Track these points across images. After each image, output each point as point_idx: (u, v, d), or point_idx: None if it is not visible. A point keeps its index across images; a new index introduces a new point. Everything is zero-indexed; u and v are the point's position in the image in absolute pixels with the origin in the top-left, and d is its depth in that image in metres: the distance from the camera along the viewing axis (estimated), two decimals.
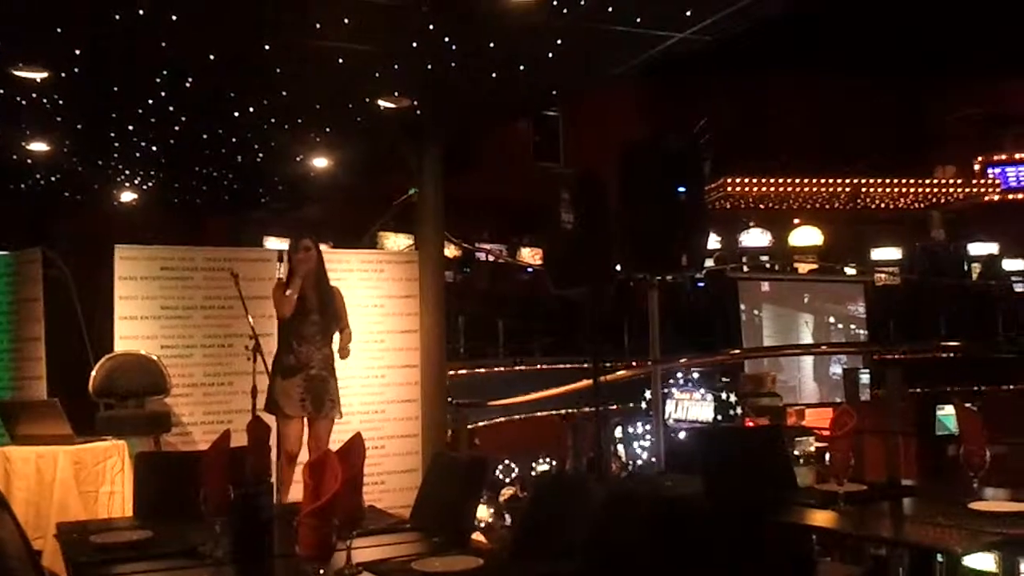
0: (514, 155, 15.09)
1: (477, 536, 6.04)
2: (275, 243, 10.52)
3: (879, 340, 11.74)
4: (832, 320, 11.90)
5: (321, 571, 2.57)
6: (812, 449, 8.08)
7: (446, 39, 5.83)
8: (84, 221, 10.28)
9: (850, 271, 14.58)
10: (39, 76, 6.22)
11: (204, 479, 3.16)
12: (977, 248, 16.82)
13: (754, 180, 17.20)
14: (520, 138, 15.50)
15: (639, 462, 8.74)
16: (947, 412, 10.40)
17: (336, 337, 6.00)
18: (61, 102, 6.88)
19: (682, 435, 8.35)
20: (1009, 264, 16.36)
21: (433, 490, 4.07)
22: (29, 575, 2.96)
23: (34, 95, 6.67)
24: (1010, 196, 18.44)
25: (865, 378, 9.85)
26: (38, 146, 8.08)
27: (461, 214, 10.04)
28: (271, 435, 5.65)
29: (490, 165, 13.48)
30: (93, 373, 6.49)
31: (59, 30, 5.52)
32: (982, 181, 18.54)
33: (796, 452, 7.77)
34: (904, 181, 17.97)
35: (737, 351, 10.45)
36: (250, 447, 3.80)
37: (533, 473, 10.04)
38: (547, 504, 3.53)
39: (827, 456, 3.96)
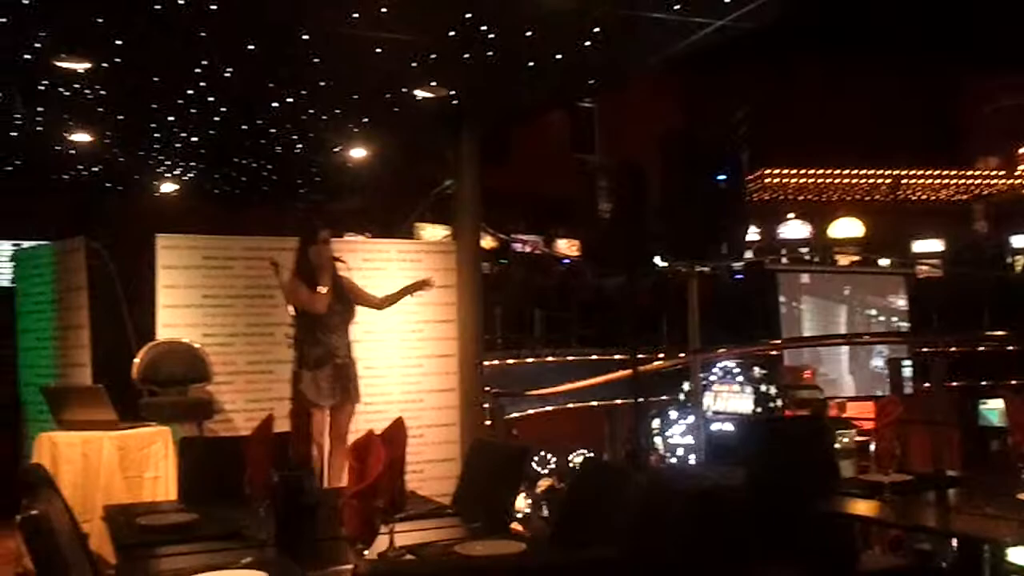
0: (550, 146, 15.03)
1: (515, 526, 6.04)
2: None
3: (922, 332, 11.57)
4: (873, 312, 11.74)
5: (365, 553, 2.59)
6: (853, 442, 7.99)
7: (484, 28, 5.82)
8: (126, 211, 10.41)
9: (884, 262, 14.38)
10: (82, 67, 6.30)
11: (247, 463, 3.18)
12: (1020, 240, 16.53)
13: (793, 171, 17.01)
14: (556, 129, 15.43)
15: (677, 454, 8.70)
16: (990, 406, 10.24)
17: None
18: (103, 93, 6.97)
19: (721, 427, 8.30)
20: None
21: (474, 477, 4.07)
22: (79, 556, 3.00)
23: (77, 86, 6.76)
24: None
25: (908, 371, 9.72)
26: (81, 137, 8.19)
27: (497, 205, 10.03)
28: (310, 423, 5.71)
29: (526, 156, 13.46)
30: (137, 360, 6.56)
31: (101, 21, 5.58)
32: None
33: (837, 445, 7.68)
34: (946, 173, 17.69)
35: (777, 341, 10.34)
36: (293, 432, 3.82)
37: (570, 464, 10.03)
38: (588, 491, 3.52)
39: (871, 447, 3.91)
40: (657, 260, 6.29)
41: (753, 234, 14.79)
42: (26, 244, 9.66)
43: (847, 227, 17.13)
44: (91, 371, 7.30)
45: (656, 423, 8.91)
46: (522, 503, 8.35)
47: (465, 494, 4.00)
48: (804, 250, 16.41)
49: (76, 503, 5.00)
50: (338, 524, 2.58)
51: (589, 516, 3.36)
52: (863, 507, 3.78)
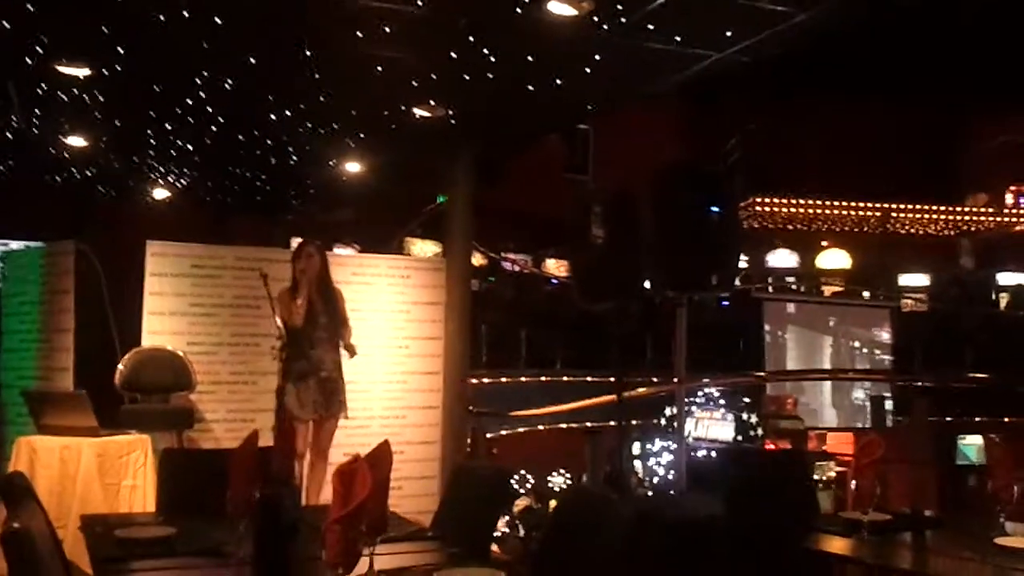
0: (543, 166, 15.07)
1: (492, 547, 6.03)
2: None
3: (905, 367, 11.63)
4: (857, 344, 11.80)
5: None
6: (832, 474, 8.03)
7: (484, 51, 5.85)
8: (117, 216, 10.37)
9: (866, 294, 14.48)
10: (81, 73, 6.29)
11: (230, 478, 3.18)
12: (1006, 278, 16.67)
13: (783, 201, 17.12)
14: (549, 150, 15.48)
15: (656, 478, 8.71)
16: (968, 442, 10.30)
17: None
18: (101, 99, 6.95)
19: (701, 453, 8.32)
20: None
21: (456, 500, 4.08)
22: (56, 565, 2.99)
23: (75, 91, 6.74)
24: None
25: (888, 404, 9.78)
26: (76, 141, 8.16)
27: (487, 223, 10.05)
28: (294, 437, 5.70)
29: (518, 175, 13.48)
30: (120, 367, 6.55)
31: (103, 28, 5.59)
32: (1014, 211, 18.36)
33: (816, 477, 7.72)
34: (934, 208, 17.83)
35: (762, 372, 10.38)
36: (276, 448, 3.83)
37: (549, 484, 10.01)
38: (570, 520, 3.53)
39: (853, 484, 3.94)
40: (646, 286, 6.30)
41: (741, 262, 14.85)
42: (14, 245, 9.64)
43: (834, 258, 17.25)
44: (73, 375, 7.27)
45: (636, 447, 8.91)
46: (499, 523, 8.34)
47: (446, 518, 4.01)
48: (791, 279, 16.50)
49: (51, 508, 4.98)
50: (319, 546, 2.58)
51: (570, 546, 3.37)
52: (840, 545, 3.80)
